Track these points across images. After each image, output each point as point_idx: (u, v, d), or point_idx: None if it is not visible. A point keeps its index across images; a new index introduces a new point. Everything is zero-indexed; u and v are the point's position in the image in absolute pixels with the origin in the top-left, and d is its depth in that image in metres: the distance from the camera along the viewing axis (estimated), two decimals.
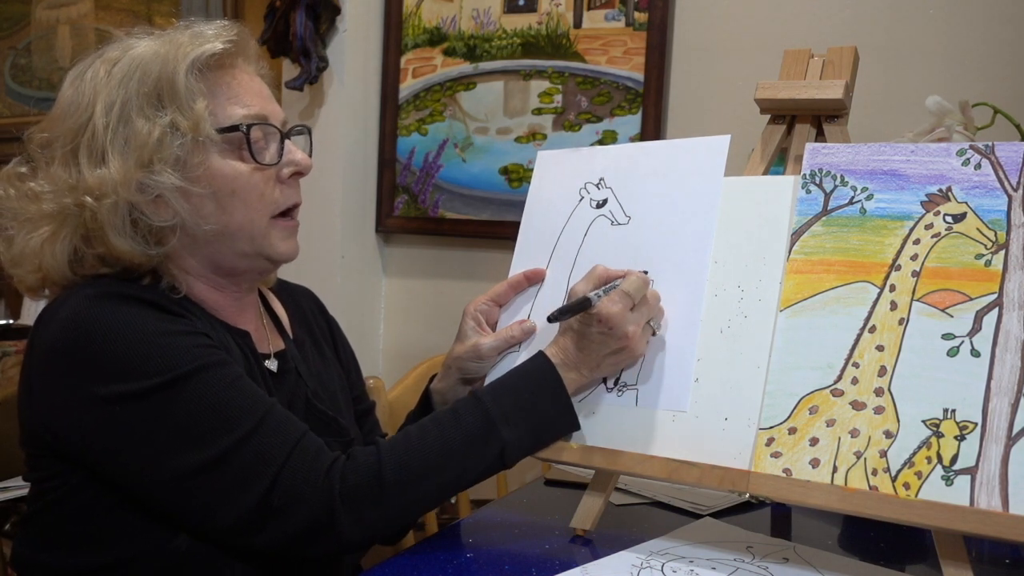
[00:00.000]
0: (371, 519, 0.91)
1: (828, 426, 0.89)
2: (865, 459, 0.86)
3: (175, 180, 0.95)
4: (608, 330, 0.96)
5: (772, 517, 1.21)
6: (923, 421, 0.85)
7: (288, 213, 1.04)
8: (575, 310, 0.97)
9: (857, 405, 0.89)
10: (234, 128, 0.98)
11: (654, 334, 1.01)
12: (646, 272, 1.02)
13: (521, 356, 1.07)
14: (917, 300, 0.90)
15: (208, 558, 0.93)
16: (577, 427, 1.00)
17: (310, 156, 1.07)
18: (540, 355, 1.00)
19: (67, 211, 0.96)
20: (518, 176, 2.36)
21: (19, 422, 0.97)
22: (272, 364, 1.08)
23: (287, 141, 1.03)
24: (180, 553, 0.92)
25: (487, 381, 1.09)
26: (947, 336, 0.87)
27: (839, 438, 0.88)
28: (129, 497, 0.92)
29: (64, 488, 0.95)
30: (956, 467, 0.82)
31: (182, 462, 0.88)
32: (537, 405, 0.97)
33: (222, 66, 1.01)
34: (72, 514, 0.95)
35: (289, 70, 2.39)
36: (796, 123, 1.07)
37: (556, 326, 1.02)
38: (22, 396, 0.96)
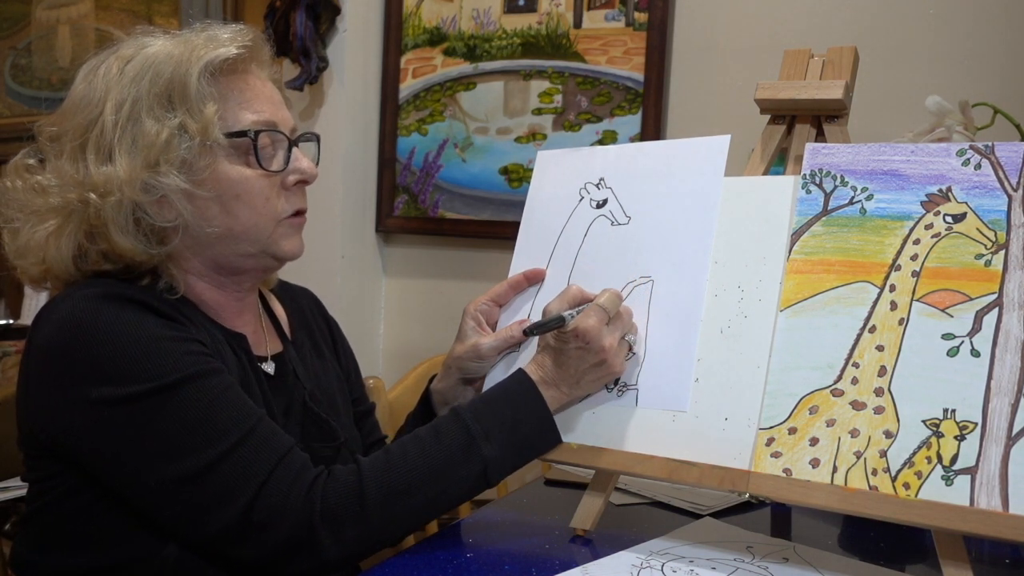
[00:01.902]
0: (352, 538, 0.90)
1: (828, 426, 0.89)
2: (865, 459, 0.86)
3: (180, 182, 0.95)
4: (585, 344, 0.96)
5: (772, 517, 1.20)
6: (923, 421, 0.85)
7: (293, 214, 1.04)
8: (550, 326, 0.97)
9: (857, 405, 0.88)
10: (242, 133, 0.98)
11: (631, 350, 1.01)
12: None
13: (521, 356, 1.07)
14: (917, 300, 0.90)
15: (197, 568, 0.92)
16: (559, 442, 1.00)
17: (317, 164, 1.07)
18: (520, 372, 1.00)
19: (72, 206, 0.96)
20: (518, 176, 2.36)
21: (16, 422, 0.97)
22: (269, 367, 1.08)
23: (295, 149, 1.03)
24: (170, 561, 0.92)
25: (487, 381, 1.09)
26: (947, 336, 0.87)
27: (839, 438, 0.88)
28: (122, 501, 0.92)
29: (61, 489, 0.94)
30: (956, 467, 0.82)
31: (167, 470, 0.88)
32: (518, 422, 0.97)
33: (235, 71, 1.01)
34: (70, 515, 0.95)
35: (289, 70, 2.39)
36: (796, 123, 1.07)
37: None
38: (19, 396, 0.96)
